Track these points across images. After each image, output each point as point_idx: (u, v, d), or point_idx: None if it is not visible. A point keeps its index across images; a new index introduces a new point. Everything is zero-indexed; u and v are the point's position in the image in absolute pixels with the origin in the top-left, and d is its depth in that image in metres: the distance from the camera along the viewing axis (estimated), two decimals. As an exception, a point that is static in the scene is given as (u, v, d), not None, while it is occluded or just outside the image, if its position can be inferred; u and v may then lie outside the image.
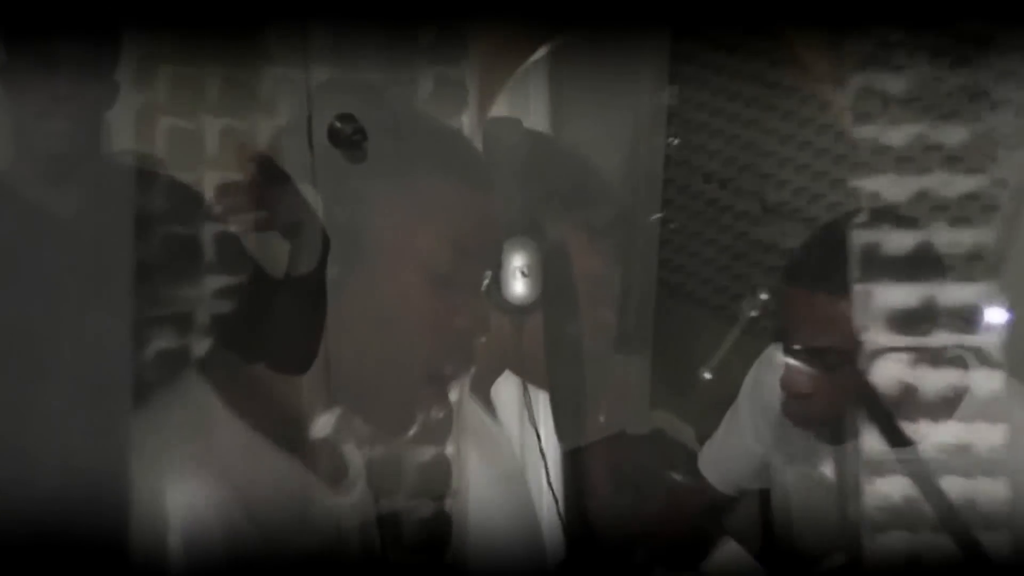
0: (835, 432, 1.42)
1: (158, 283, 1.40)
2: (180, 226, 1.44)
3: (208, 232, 1.46)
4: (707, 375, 1.59)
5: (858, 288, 1.36)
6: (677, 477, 1.73)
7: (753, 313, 1.60)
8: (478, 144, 1.52)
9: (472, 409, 1.56)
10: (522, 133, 1.67)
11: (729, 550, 1.51)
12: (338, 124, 1.72)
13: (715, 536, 1.61)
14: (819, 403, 1.32)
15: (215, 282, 1.46)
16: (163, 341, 1.39)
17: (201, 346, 1.39)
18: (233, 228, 1.25)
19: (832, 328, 1.32)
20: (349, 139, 1.69)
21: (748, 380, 1.60)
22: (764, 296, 1.60)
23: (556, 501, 1.72)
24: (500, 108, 1.70)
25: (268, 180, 1.22)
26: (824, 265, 1.39)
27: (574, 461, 1.70)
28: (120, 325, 1.37)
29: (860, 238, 1.41)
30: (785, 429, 1.47)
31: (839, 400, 1.32)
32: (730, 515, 1.65)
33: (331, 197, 1.20)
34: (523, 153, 1.61)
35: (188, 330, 1.40)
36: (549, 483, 1.69)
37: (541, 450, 1.71)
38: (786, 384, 1.33)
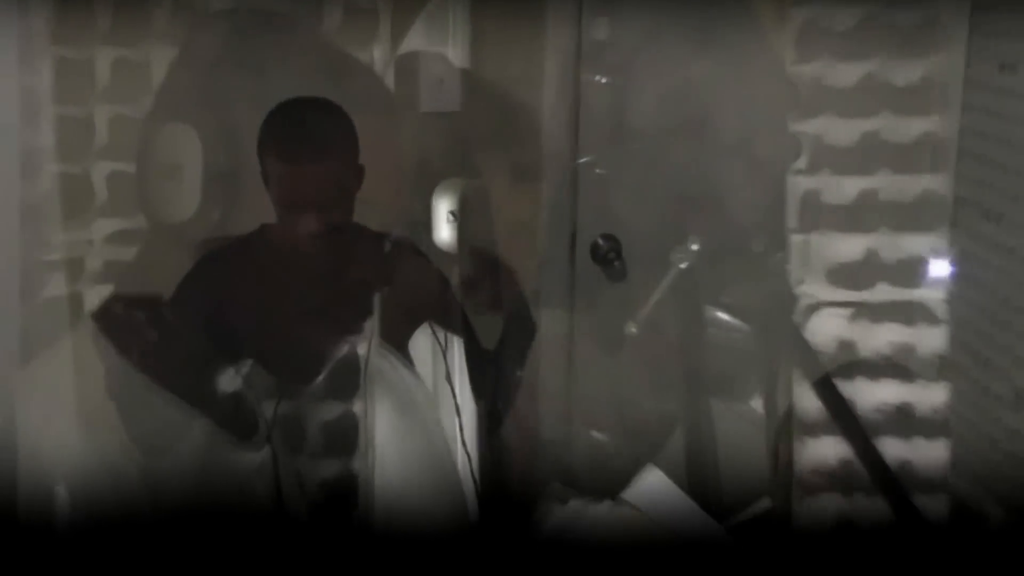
0: None
1: (46, 225, 1.37)
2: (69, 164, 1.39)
3: (100, 171, 1.39)
4: (633, 330, 1.50)
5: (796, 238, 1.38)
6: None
7: (683, 264, 1.53)
8: (390, 80, 1.46)
9: (389, 362, 1.48)
10: (440, 67, 1.59)
11: (653, 478, 1.47)
12: (600, 241, 1.67)
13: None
14: None
15: (107, 225, 1.39)
16: (52, 288, 1.35)
17: (94, 293, 1.36)
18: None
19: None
20: (605, 256, 1.64)
21: None
22: (695, 246, 1.52)
23: (469, 460, 1.68)
24: (416, 40, 1.58)
25: None
26: None
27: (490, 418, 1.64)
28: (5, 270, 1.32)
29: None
30: None
31: None
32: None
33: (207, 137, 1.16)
34: (442, 89, 1.54)
35: (79, 276, 1.37)
36: (463, 442, 1.65)
37: (456, 408, 1.66)
38: None
